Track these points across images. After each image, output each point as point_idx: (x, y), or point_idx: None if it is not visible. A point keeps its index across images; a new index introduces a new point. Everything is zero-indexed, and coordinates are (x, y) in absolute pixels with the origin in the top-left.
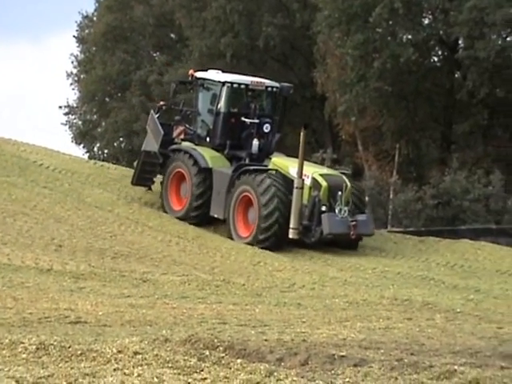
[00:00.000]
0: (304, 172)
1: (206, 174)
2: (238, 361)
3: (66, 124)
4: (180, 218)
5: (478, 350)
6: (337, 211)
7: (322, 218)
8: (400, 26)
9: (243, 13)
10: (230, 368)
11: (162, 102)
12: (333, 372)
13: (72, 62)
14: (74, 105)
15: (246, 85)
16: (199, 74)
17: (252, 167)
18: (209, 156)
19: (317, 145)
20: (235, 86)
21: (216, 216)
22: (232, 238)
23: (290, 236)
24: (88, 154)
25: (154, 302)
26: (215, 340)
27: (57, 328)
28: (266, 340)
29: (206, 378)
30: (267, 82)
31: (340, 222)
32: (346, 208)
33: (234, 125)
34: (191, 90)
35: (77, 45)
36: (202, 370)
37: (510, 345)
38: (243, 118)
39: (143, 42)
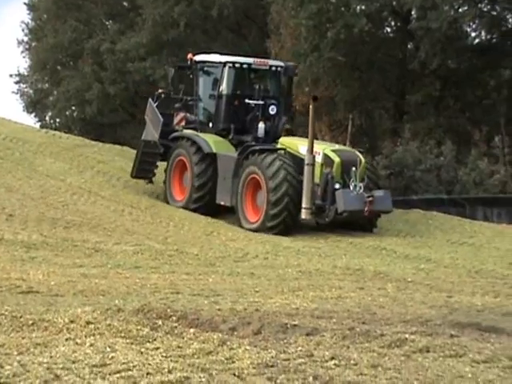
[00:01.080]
0: (314, 149)
1: (209, 159)
2: (191, 330)
3: (16, 93)
4: (183, 208)
5: (429, 318)
6: (351, 187)
7: (336, 194)
8: None
9: None
10: (183, 337)
11: (160, 90)
12: (285, 341)
13: (23, 30)
14: (25, 73)
15: (249, 64)
16: (198, 58)
17: (258, 147)
18: (212, 141)
19: None
20: (237, 65)
21: (223, 203)
22: (241, 226)
23: (303, 216)
24: (40, 123)
25: (106, 271)
26: (168, 310)
27: (8, 298)
28: (219, 309)
29: (158, 348)
30: (271, 61)
31: (356, 198)
32: (361, 184)
33: (238, 108)
34: (191, 74)
35: (28, 12)
36: (155, 340)
37: (459, 313)
38: (247, 100)
39: (95, 10)
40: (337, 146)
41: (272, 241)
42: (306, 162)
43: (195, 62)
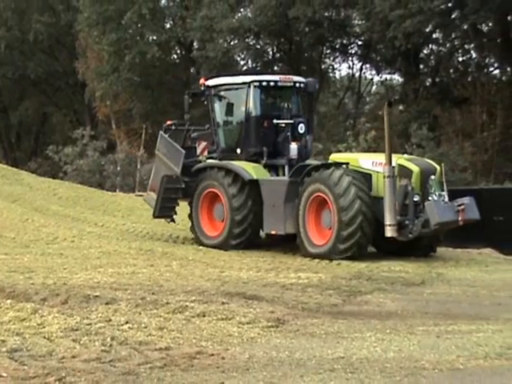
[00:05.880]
0: (380, 161)
1: (248, 189)
2: (8, 301)
3: None
4: (218, 246)
5: (205, 289)
6: (435, 197)
7: (426, 207)
8: (147, 28)
9: (15, 10)
10: (1, 307)
11: (169, 122)
12: (88, 309)
13: None
14: None
15: (275, 82)
16: (213, 82)
17: (320, 163)
18: (250, 167)
19: (77, 123)
20: (264, 84)
21: (274, 232)
22: (306, 251)
23: (388, 234)
24: None
25: None
26: None
27: None
28: (32, 284)
29: None
30: (295, 77)
31: (448, 208)
32: (444, 193)
33: (268, 129)
34: (205, 101)
35: None
36: None
37: (229, 285)
38: (276, 121)
39: None
40: (406, 155)
41: (78, 227)
42: (386, 174)
43: (209, 86)
